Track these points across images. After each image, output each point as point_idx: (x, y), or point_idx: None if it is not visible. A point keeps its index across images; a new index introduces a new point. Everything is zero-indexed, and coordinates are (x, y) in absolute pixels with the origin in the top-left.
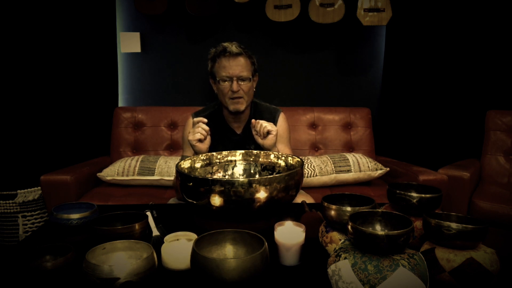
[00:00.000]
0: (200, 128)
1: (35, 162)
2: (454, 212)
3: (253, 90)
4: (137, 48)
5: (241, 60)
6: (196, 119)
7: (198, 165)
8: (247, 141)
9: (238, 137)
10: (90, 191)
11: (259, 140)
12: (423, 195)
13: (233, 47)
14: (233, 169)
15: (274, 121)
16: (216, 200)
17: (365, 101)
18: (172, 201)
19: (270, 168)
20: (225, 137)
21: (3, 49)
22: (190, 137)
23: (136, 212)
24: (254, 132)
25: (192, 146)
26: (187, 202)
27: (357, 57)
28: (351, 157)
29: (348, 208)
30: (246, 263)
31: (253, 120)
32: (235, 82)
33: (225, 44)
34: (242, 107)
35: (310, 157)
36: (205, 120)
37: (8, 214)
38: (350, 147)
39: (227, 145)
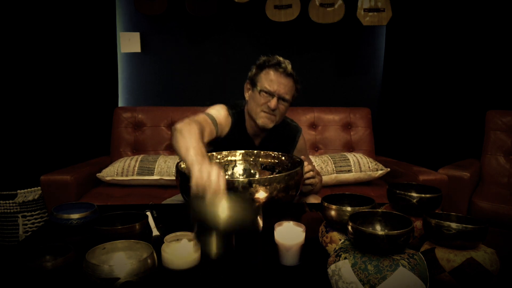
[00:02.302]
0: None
1: (35, 162)
2: (454, 212)
3: (286, 112)
4: (137, 48)
5: (290, 82)
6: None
7: None
8: None
9: (255, 148)
10: (90, 191)
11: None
12: (423, 195)
13: (289, 66)
14: (233, 169)
15: (294, 140)
16: None
17: (365, 101)
18: (168, 200)
19: (270, 168)
20: (242, 145)
21: (3, 49)
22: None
23: (136, 212)
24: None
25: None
26: (187, 201)
27: (357, 57)
28: (351, 157)
29: (348, 208)
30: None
31: (310, 173)
32: (275, 100)
33: (281, 59)
34: (271, 125)
35: (310, 156)
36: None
37: (8, 214)
38: (350, 147)
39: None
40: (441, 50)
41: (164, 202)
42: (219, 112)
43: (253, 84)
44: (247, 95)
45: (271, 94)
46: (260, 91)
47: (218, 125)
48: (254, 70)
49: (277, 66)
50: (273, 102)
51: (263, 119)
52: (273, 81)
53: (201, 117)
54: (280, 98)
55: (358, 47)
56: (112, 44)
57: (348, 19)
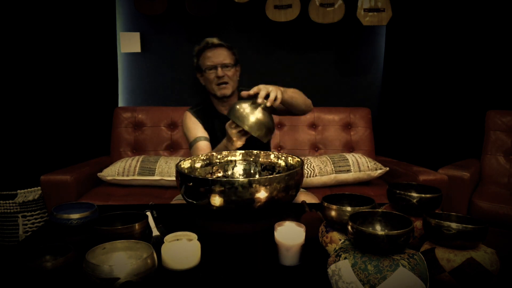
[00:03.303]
0: None
1: (35, 162)
2: (454, 212)
3: (238, 78)
4: (137, 48)
5: (223, 51)
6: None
7: (198, 165)
8: None
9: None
10: (90, 191)
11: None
12: (423, 195)
13: (214, 40)
14: (233, 169)
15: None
16: (216, 200)
17: (365, 101)
18: (176, 200)
19: (270, 168)
20: (220, 123)
21: (3, 49)
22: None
23: (136, 212)
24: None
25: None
26: (187, 202)
27: (357, 57)
28: (350, 157)
29: (348, 208)
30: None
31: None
32: (219, 69)
33: (207, 39)
34: (228, 91)
35: (309, 157)
36: None
37: (8, 214)
38: (350, 147)
39: (225, 131)
40: (441, 50)
41: (172, 202)
42: (189, 128)
43: (200, 71)
44: (201, 81)
45: (213, 67)
46: (205, 69)
47: (202, 134)
48: (195, 60)
49: (206, 45)
50: (219, 71)
51: (220, 91)
52: (209, 57)
53: (195, 149)
54: (223, 66)
55: (358, 47)
56: (112, 44)
57: (348, 19)
